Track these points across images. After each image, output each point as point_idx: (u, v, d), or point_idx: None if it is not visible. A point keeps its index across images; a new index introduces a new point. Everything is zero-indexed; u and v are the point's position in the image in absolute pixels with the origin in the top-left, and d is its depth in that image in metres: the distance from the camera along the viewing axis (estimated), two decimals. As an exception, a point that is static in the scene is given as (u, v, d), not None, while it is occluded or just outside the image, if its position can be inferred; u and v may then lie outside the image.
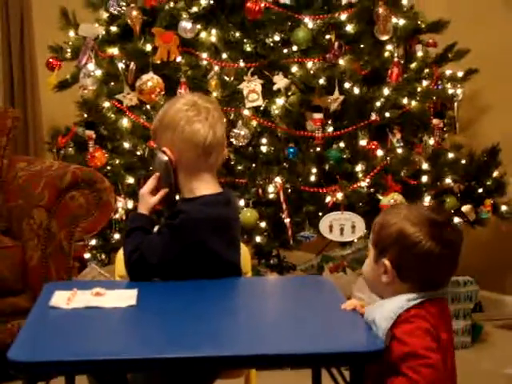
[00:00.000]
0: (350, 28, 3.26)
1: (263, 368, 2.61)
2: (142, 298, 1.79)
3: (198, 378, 1.86)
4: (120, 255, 2.17)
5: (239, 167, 3.22)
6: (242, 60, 3.22)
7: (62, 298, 1.76)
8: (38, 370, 1.45)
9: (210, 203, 1.96)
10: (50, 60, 3.51)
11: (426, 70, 3.47)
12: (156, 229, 2.04)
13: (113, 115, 3.34)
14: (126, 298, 1.77)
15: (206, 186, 1.99)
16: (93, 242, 3.36)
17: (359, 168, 3.21)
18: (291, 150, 3.19)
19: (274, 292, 2.06)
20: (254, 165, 3.23)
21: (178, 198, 2.08)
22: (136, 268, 1.93)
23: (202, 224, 1.92)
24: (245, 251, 2.16)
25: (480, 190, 3.45)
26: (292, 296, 1.97)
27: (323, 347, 1.54)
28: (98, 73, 3.33)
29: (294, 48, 3.22)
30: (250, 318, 1.77)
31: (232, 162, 3.21)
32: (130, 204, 3.27)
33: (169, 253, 1.91)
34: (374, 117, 3.24)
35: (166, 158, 1.96)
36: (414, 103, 3.33)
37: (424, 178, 3.31)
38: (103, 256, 3.37)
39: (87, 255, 3.32)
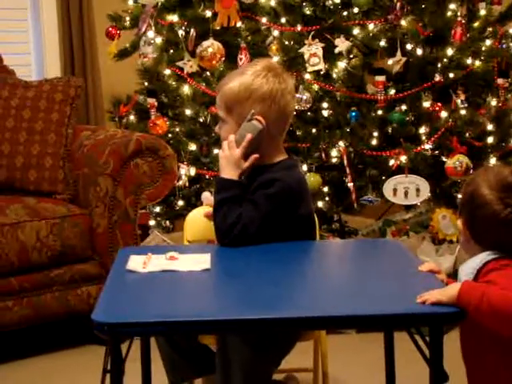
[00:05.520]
0: (411, -13, 3.19)
1: (339, 328, 2.63)
2: (216, 261, 1.81)
3: (281, 341, 1.87)
4: (190, 220, 2.19)
5: (298, 132, 3.20)
6: (301, 23, 3.18)
7: (137, 262, 1.79)
8: (121, 330, 1.47)
9: (290, 167, 2.03)
10: (110, 29, 3.51)
11: (490, 29, 3.39)
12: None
13: (174, 82, 3.35)
14: (200, 261, 1.79)
15: (280, 152, 2.05)
16: (157, 209, 3.39)
17: (423, 130, 3.17)
18: (353, 113, 3.15)
19: (347, 255, 2.06)
20: (314, 130, 3.21)
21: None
22: (238, 239, 1.91)
23: (296, 190, 1.97)
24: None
25: (546, 151, 3.37)
26: (365, 258, 1.97)
27: (401, 308, 1.54)
28: (158, 40, 3.33)
29: (355, 10, 3.17)
30: (324, 279, 1.77)
31: (292, 127, 3.19)
32: (193, 171, 3.28)
33: (268, 222, 1.93)
34: (437, 78, 3.18)
35: (261, 127, 1.97)
36: (477, 63, 3.26)
37: (489, 140, 3.25)
38: (167, 223, 3.40)
39: (152, 222, 3.35)
